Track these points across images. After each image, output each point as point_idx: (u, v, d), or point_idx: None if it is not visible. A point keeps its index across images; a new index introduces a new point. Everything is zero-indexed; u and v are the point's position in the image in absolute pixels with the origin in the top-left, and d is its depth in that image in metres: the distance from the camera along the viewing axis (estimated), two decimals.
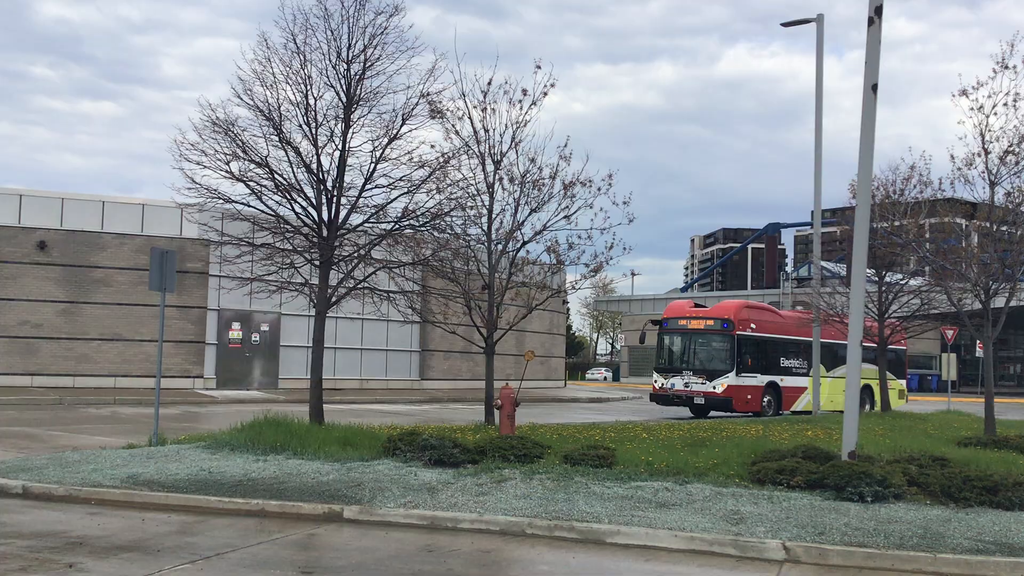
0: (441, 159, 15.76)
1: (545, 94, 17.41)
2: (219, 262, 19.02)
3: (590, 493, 10.27)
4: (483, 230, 17.98)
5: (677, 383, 27.69)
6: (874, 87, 11.79)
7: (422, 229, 16.10)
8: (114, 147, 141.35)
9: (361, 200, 15.22)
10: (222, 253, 17.07)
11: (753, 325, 27.63)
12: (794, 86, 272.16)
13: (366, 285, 16.24)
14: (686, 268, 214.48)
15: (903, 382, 34.86)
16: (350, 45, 14.87)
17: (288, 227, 15.63)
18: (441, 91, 15.60)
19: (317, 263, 15.75)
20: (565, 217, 17.68)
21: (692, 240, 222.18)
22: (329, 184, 15.14)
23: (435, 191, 15.76)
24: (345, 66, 14.98)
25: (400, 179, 15.15)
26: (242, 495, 10.38)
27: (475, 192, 17.56)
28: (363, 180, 15.06)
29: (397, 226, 15.70)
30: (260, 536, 8.94)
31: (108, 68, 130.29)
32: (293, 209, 15.43)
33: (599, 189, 17.83)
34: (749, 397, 27.10)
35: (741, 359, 26.80)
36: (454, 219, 16.56)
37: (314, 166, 15.03)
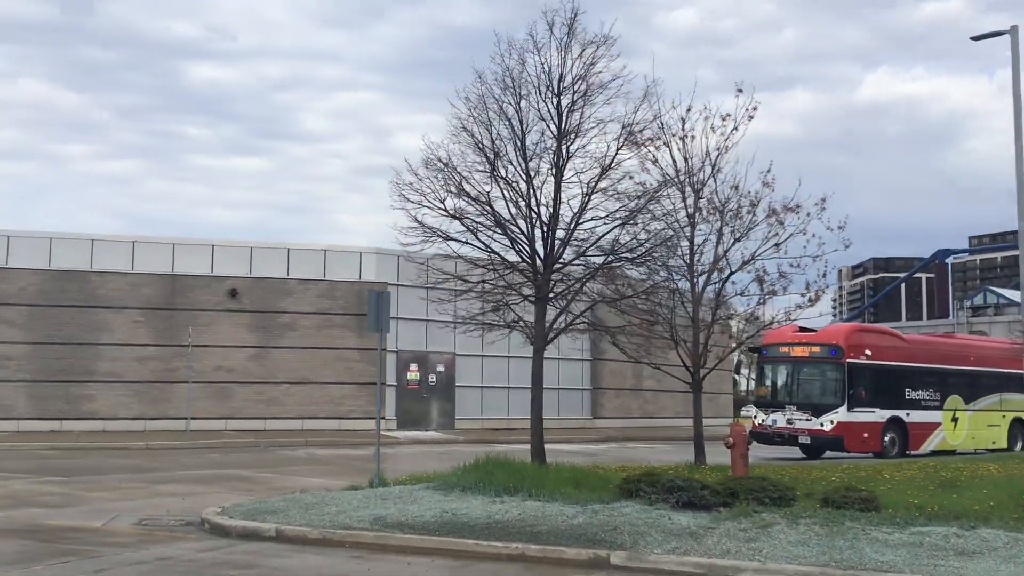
0: (650, 189, 15.42)
1: (751, 117, 16.81)
2: (433, 300, 18.92)
3: (872, 539, 9.53)
4: (685, 263, 17.49)
5: (779, 419, 24.36)
6: None
7: (638, 261, 15.73)
8: (262, 199, 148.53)
9: (575, 235, 14.99)
10: (427, 295, 17.11)
11: (868, 351, 24.26)
12: (940, 108, 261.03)
13: (584, 320, 15.94)
14: (834, 301, 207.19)
15: None
16: (561, 76, 14.78)
17: (505, 263, 15.51)
18: (653, 120, 15.28)
19: (532, 300, 15.56)
20: (775, 245, 17.00)
21: (839, 271, 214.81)
22: (545, 217, 14.98)
23: (649, 221, 15.40)
24: (556, 99, 14.87)
25: (616, 211, 14.87)
26: (498, 538, 10.12)
27: (679, 224, 17.12)
28: (577, 213, 14.82)
29: (612, 258, 15.38)
30: None
31: (255, 124, 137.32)
32: (513, 247, 15.32)
33: (808, 214, 17.09)
34: (866, 435, 23.78)
35: (854, 391, 23.52)
36: (666, 250, 16.14)
37: (532, 200, 14.92)
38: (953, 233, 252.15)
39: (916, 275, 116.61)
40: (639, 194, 15.18)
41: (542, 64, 14.77)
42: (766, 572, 8.70)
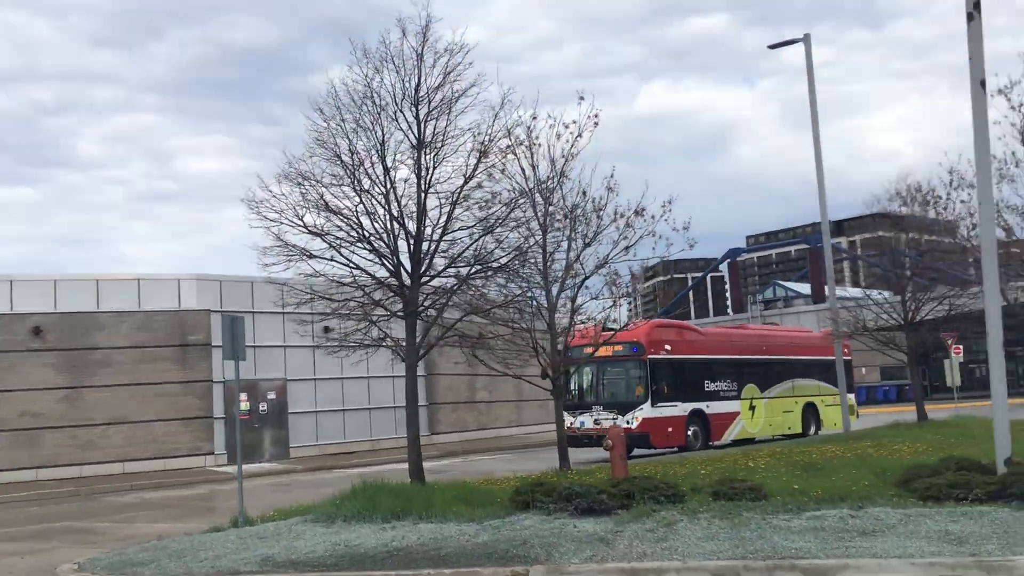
0: (505, 199, 15.36)
1: (596, 124, 17.00)
2: (295, 322, 17.98)
3: (775, 527, 9.79)
4: (539, 270, 17.54)
5: (587, 421, 23.92)
6: (982, 83, 11.74)
7: (499, 271, 15.59)
8: (32, 232, 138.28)
9: (440, 247, 14.69)
10: (283, 318, 16.32)
11: (668, 346, 24.30)
12: (711, 117, 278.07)
13: (456, 332, 15.63)
14: (629, 304, 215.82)
15: (851, 396, 30.98)
16: (417, 86, 14.45)
17: (372, 279, 14.97)
18: (510, 130, 15.19)
19: (402, 315, 15.11)
20: (625, 248, 17.32)
21: (632, 274, 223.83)
22: (411, 228, 14.57)
23: (509, 230, 15.31)
24: (414, 109, 14.53)
25: (478, 222, 14.68)
26: (404, 566, 9.67)
27: (530, 232, 17.14)
28: (442, 224, 14.52)
29: (478, 269, 15.16)
30: None
31: (22, 152, 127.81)
32: (380, 261, 14.80)
33: (653, 217, 17.47)
34: (670, 430, 23.85)
35: (656, 387, 23.50)
36: (522, 259, 16.09)
37: (396, 213, 14.48)
38: (730, 233, 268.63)
39: (699, 274, 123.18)
40: (500, 203, 15.08)
41: (397, 73, 14.43)
42: (688, 571, 8.74)
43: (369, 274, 15.10)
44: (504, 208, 15.13)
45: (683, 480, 13.48)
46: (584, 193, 17.48)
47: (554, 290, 17.59)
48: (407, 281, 14.85)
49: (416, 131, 14.63)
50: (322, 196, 14.27)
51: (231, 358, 14.49)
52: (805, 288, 74.68)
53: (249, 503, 19.90)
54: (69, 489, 24.59)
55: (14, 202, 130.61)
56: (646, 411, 23.39)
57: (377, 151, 14.42)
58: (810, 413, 29.14)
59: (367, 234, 14.59)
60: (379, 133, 14.43)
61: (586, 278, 17.68)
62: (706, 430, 25.10)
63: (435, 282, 15.63)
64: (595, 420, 23.78)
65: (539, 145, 17.31)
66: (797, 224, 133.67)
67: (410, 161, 14.60)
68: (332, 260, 15.06)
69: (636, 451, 23.57)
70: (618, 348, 23.34)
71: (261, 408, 30.69)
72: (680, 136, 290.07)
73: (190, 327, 29.44)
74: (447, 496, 12.67)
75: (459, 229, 14.78)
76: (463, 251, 14.97)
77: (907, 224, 27.19)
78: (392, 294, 15.04)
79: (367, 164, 14.41)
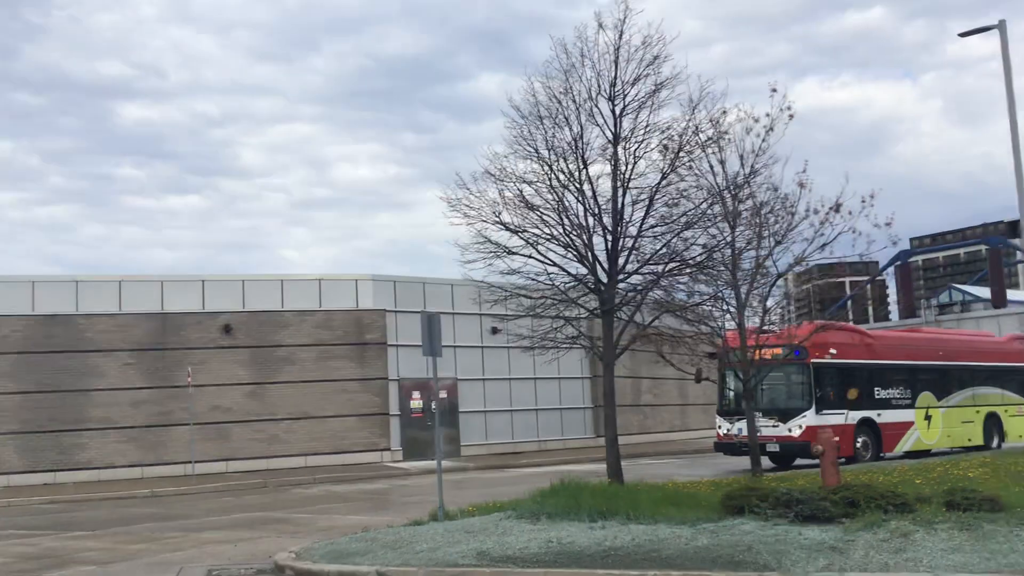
0: (704, 194, 14.99)
1: (791, 117, 16.38)
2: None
3: None
4: (727, 267, 17.05)
5: (744, 428, 21.95)
6: None
7: (700, 267, 15.24)
8: (201, 238, 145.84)
9: (638, 242, 14.48)
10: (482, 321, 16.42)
11: (833, 350, 22.68)
12: (868, 115, 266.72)
13: (655, 330, 15.41)
14: (782, 308, 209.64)
15: None
16: (614, 81, 14.29)
17: (568, 276, 14.91)
18: (710, 124, 14.81)
19: (598, 313, 15.01)
20: (822, 246, 16.64)
21: (787, 279, 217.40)
22: (608, 224, 14.43)
23: (708, 225, 14.96)
24: (610, 103, 14.39)
25: (677, 217, 14.40)
26: (626, 567, 9.50)
27: (718, 229, 16.69)
28: (640, 219, 14.31)
29: (675, 266, 14.87)
30: None
31: (191, 162, 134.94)
32: (580, 259, 14.72)
33: (850, 213, 16.68)
34: (837, 439, 21.66)
35: (822, 393, 22.18)
36: (719, 257, 15.67)
37: (594, 208, 14.37)
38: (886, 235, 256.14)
39: (860, 278, 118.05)
40: (692, 200, 14.76)
41: (594, 67, 14.33)
42: None
43: (567, 271, 15.00)
44: (699, 205, 14.78)
45: (898, 489, 12.79)
46: (776, 189, 16.94)
47: (743, 290, 17.10)
48: (603, 279, 14.68)
49: (612, 126, 14.47)
50: (521, 192, 14.27)
51: (429, 354, 14.71)
52: (984, 292, 70.46)
53: (431, 499, 20.33)
54: (257, 481, 25.68)
55: (184, 209, 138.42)
56: (810, 419, 22.05)
57: (572, 147, 14.32)
58: (992, 424, 27.20)
59: (565, 230, 14.52)
60: (576, 129, 14.36)
61: (779, 276, 17.11)
62: (877, 440, 23.65)
63: (635, 280, 15.41)
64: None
65: (729, 140, 16.87)
66: (966, 225, 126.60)
67: (608, 157, 14.43)
68: (531, 257, 15.01)
69: (798, 461, 22.94)
70: (778, 351, 21.96)
71: (433, 406, 31.20)
72: (835, 135, 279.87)
73: (367, 326, 30.31)
74: (652, 498, 12.44)
75: (656, 226, 14.54)
76: (660, 248, 14.70)
77: None
78: (587, 291, 14.91)
79: (564, 161, 14.35)
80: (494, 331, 32.89)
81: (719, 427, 24.15)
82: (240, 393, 28.86)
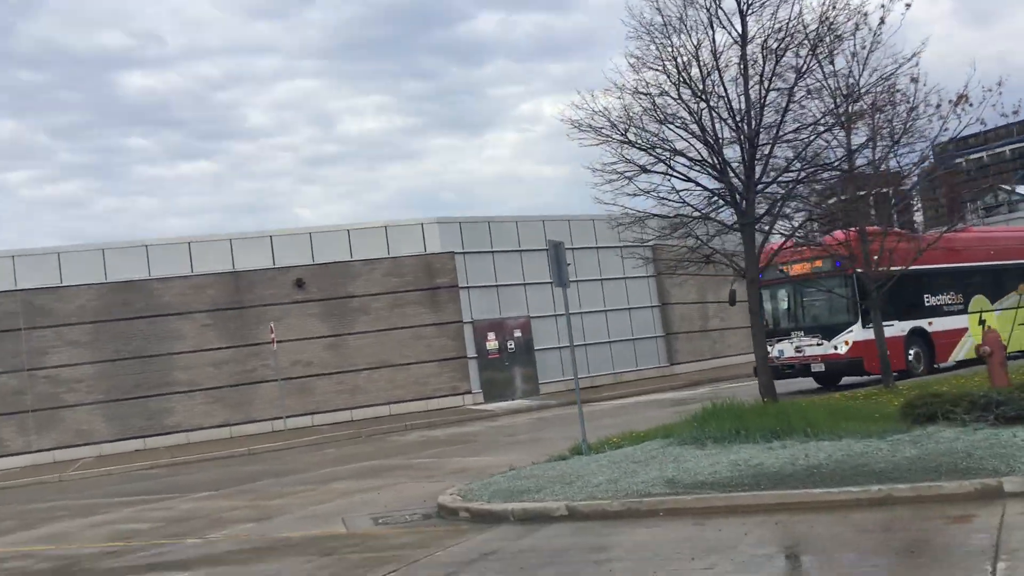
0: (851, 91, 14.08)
1: (908, 5, 15.27)
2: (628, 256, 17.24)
3: None
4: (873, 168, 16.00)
5: (787, 349, 21.63)
6: None
7: (833, 171, 14.50)
8: (215, 202, 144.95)
9: (774, 149, 13.77)
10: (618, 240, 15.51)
11: (876, 257, 20.31)
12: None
13: (800, 237, 14.74)
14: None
15: None
16: None
17: (704, 191, 14.23)
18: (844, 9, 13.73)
19: (738, 227, 14.38)
20: (951, 140, 15.80)
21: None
22: (744, 127, 13.69)
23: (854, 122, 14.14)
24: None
25: (823, 117, 13.63)
26: (838, 483, 9.05)
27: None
28: (779, 118, 13.53)
29: (816, 170, 14.11)
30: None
31: (197, 128, 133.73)
32: (715, 165, 13.97)
33: (970, 104, 15.74)
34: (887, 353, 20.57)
35: (867, 305, 19.97)
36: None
37: (724, 113, 13.58)
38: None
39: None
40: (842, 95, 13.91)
41: None
42: None
43: (702, 186, 14.32)
44: (850, 100, 13.93)
45: None
46: (892, 85, 15.94)
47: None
48: (740, 191, 14.03)
49: (740, 24, 13.60)
50: (654, 103, 13.51)
51: (559, 284, 14.15)
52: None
53: (540, 436, 20.01)
54: (349, 431, 25.50)
55: (195, 175, 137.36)
56: (856, 333, 20.72)
57: (695, 53, 13.48)
58: None
59: (702, 140, 13.78)
60: (701, 33, 13.55)
61: (904, 177, 16.33)
62: (929, 351, 22.33)
63: (774, 189, 14.74)
64: (796, 348, 21.71)
65: (840, 36, 15.81)
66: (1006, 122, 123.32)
67: (735, 59, 13.67)
68: (666, 174, 14.31)
69: (845, 379, 21.79)
70: (818, 264, 20.87)
71: (509, 346, 30.92)
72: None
73: (436, 270, 29.87)
74: (821, 413, 11.98)
75: (795, 130, 13.81)
76: (801, 151, 13.95)
77: None
78: (724, 205, 14.25)
79: (690, 69, 13.60)
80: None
81: None
82: (319, 346, 28.61)
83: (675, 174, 14.21)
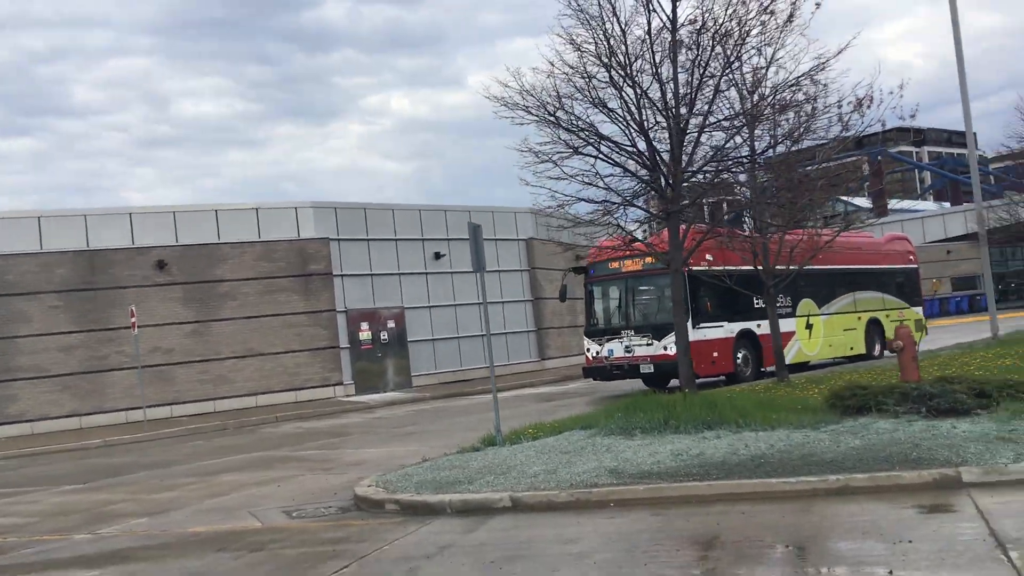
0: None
1: (818, 5, 15.23)
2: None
3: None
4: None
5: (616, 349, 20.83)
6: None
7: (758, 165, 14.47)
8: (40, 182, 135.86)
9: (701, 137, 13.61)
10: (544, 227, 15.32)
11: (710, 256, 19.91)
12: None
13: (723, 226, 14.65)
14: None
15: (919, 310, 27.72)
16: None
17: (631, 177, 13.90)
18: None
19: (663, 216, 14.16)
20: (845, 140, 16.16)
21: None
22: (673, 113, 13.42)
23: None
24: None
25: (739, 114, 13.58)
26: (790, 473, 8.90)
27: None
28: (706, 110, 13.35)
29: (737, 162, 14.07)
30: (931, 517, 7.52)
31: (20, 102, 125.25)
32: (643, 158, 13.66)
33: (869, 103, 16.04)
34: (716, 355, 20.46)
35: (698, 305, 19.85)
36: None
37: (656, 98, 13.30)
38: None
39: None
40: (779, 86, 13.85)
41: None
42: None
43: (629, 171, 14.00)
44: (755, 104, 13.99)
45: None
46: (797, 82, 15.93)
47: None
48: (667, 178, 13.80)
49: (671, 8, 13.34)
50: (589, 80, 13.05)
51: (477, 269, 13.59)
52: (865, 202, 73.23)
53: (429, 428, 19.37)
54: (214, 424, 24.07)
55: (16, 152, 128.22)
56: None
57: (623, 37, 13.17)
58: (874, 330, 25.49)
59: (627, 125, 13.46)
60: (626, 14, 13.22)
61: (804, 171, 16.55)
62: (757, 354, 21.59)
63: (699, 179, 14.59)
64: (626, 347, 20.76)
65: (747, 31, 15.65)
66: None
67: (663, 47, 13.42)
68: (596, 157, 13.88)
69: (673, 383, 20.42)
70: (650, 260, 19.69)
71: (382, 337, 30.05)
72: None
73: (310, 256, 28.70)
74: (748, 404, 11.92)
75: (723, 120, 13.70)
76: (730, 138, 13.84)
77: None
78: (648, 191, 13.99)
79: (619, 54, 13.27)
80: (437, 256, 31.79)
81: (587, 350, 21.93)
82: (181, 333, 26.92)
83: (604, 157, 13.87)
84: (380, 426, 21.06)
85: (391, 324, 30.38)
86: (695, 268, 19.36)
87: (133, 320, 23.83)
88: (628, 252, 19.44)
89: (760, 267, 17.35)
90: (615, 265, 21.04)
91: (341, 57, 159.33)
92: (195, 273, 27.24)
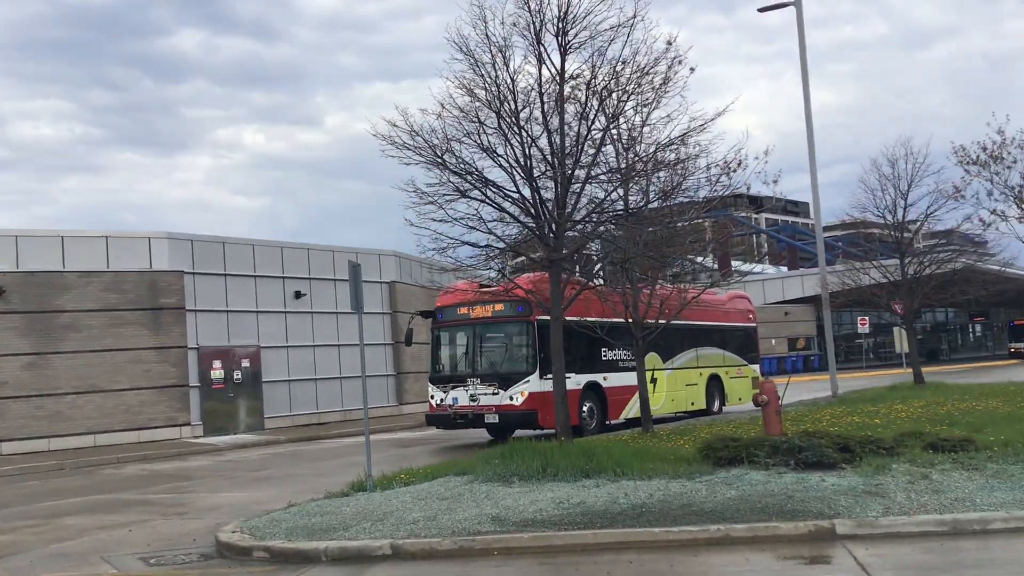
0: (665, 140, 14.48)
1: (692, 70, 15.84)
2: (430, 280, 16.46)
3: None
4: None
5: (461, 397, 20.16)
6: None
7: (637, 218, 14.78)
8: None
9: (586, 187, 13.82)
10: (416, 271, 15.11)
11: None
12: None
13: (599, 279, 14.82)
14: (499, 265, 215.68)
15: (756, 367, 28.37)
16: (564, 15, 13.24)
17: (515, 220, 13.94)
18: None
19: (546, 264, 14.21)
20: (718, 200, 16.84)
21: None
22: (556, 165, 13.57)
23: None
24: (557, 37, 13.43)
25: (617, 169, 13.89)
26: (672, 523, 9.00)
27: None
28: (589, 163, 13.58)
29: (621, 215, 14.34)
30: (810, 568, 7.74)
31: None
32: (526, 203, 13.71)
33: (739, 166, 16.74)
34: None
35: (546, 355, 18.35)
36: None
37: (544, 149, 13.43)
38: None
39: None
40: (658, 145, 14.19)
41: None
42: (1015, 520, 8.45)
43: (513, 217, 14.02)
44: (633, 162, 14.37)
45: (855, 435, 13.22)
46: (671, 142, 16.36)
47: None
48: (551, 227, 13.91)
49: (559, 63, 13.58)
50: (480, 126, 13.04)
51: (355, 309, 13.31)
52: (710, 262, 76.18)
53: (285, 472, 18.69)
54: (50, 463, 22.50)
55: None
56: (533, 384, 19.35)
57: (511, 85, 13.32)
58: (714, 386, 25.88)
59: (513, 172, 13.53)
60: (518, 64, 13.37)
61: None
62: (602, 407, 21.32)
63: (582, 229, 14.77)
64: (471, 396, 20.12)
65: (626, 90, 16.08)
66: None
67: (552, 98, 13.61)
68: (483, 201, 13.84)
69: (518, 432, 20.35)
70: (499, 307, 19.65)
71: (235, 376, 28.95)
72: None
73: (162, 289, 27.45)
74: (624, 454, 12.04)
75: (607, 172, 13.96)
76: (610, 193, 14.11)
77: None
78: (532, 237, 14.02)
79: (507, 102, 13.38)
80: (298, 295, 31.03)
81: (431, 397, 21.28)
82: (16, 365, 25.14)
83: (489, 202, 13.88)
84: (234, 469, 20.18)
85: (245, 363, 29.32)
86: (544, 317, 18.07)
87: None
88: (483, 297, 19.38)
89: (631, 319, 17.66)
90: (464, 311, 20.71)
91: (193, 88, 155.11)
92: (35, 302, 25.58)
